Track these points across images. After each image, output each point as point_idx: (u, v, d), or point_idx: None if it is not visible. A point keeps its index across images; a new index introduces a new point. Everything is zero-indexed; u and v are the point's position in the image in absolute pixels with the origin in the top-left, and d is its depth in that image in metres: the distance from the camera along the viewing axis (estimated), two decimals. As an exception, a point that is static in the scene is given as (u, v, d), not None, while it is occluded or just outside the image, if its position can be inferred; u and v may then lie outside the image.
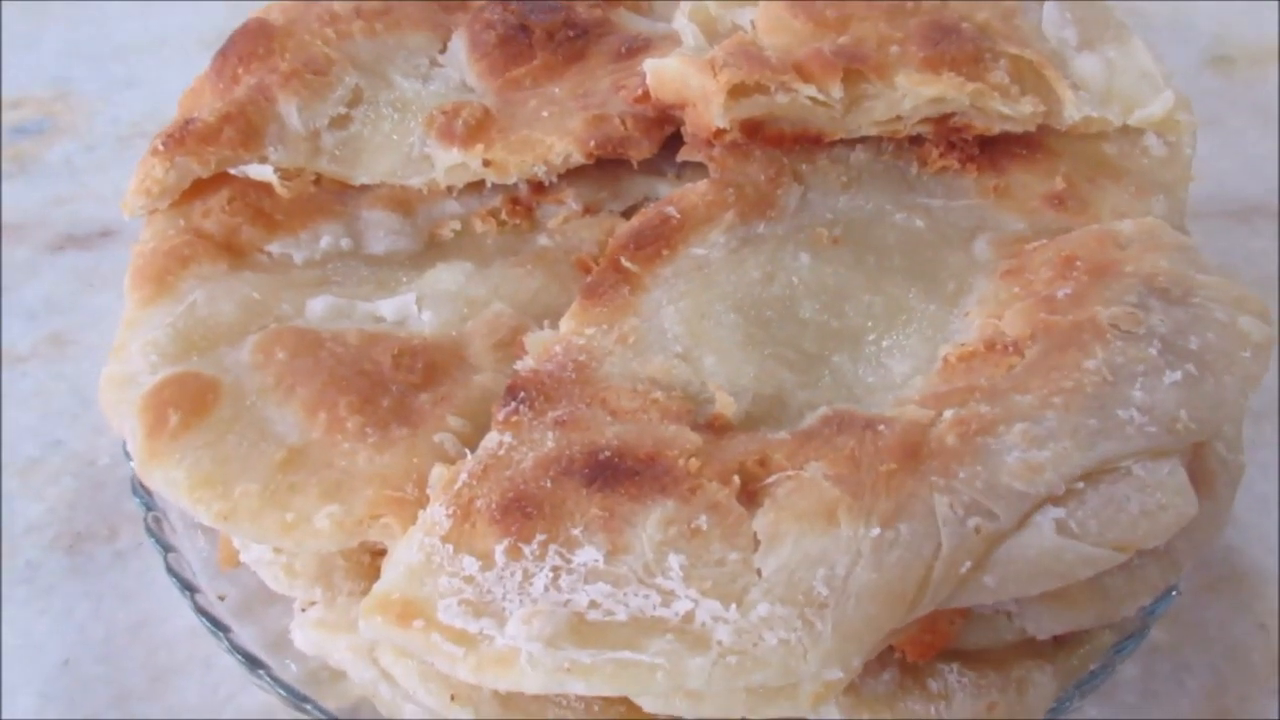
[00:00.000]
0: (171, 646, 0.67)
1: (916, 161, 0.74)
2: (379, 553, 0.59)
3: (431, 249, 0.76)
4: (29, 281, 0.92)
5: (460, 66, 0.82)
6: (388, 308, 0.70)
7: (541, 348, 0.63)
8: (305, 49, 0.79)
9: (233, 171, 0.74)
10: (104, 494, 0.76)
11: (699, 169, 0.76)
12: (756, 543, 0.51)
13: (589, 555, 0.50)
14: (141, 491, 0.70)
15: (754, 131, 0.72)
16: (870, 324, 0.65)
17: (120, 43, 1.19)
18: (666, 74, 0.73)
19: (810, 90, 0.70)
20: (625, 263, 0.66)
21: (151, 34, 1.21)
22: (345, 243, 0.74)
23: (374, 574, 0.58)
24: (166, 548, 0.67)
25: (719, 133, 0.71)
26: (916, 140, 0.74)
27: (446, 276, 0.71)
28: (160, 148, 0.73)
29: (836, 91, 0.70)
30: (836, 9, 0.74)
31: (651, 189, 0.78)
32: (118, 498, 0.75)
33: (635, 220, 0.68)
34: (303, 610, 0.60)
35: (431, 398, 0.63)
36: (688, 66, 0.73)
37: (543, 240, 0.75)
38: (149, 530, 0.68)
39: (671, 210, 0.68)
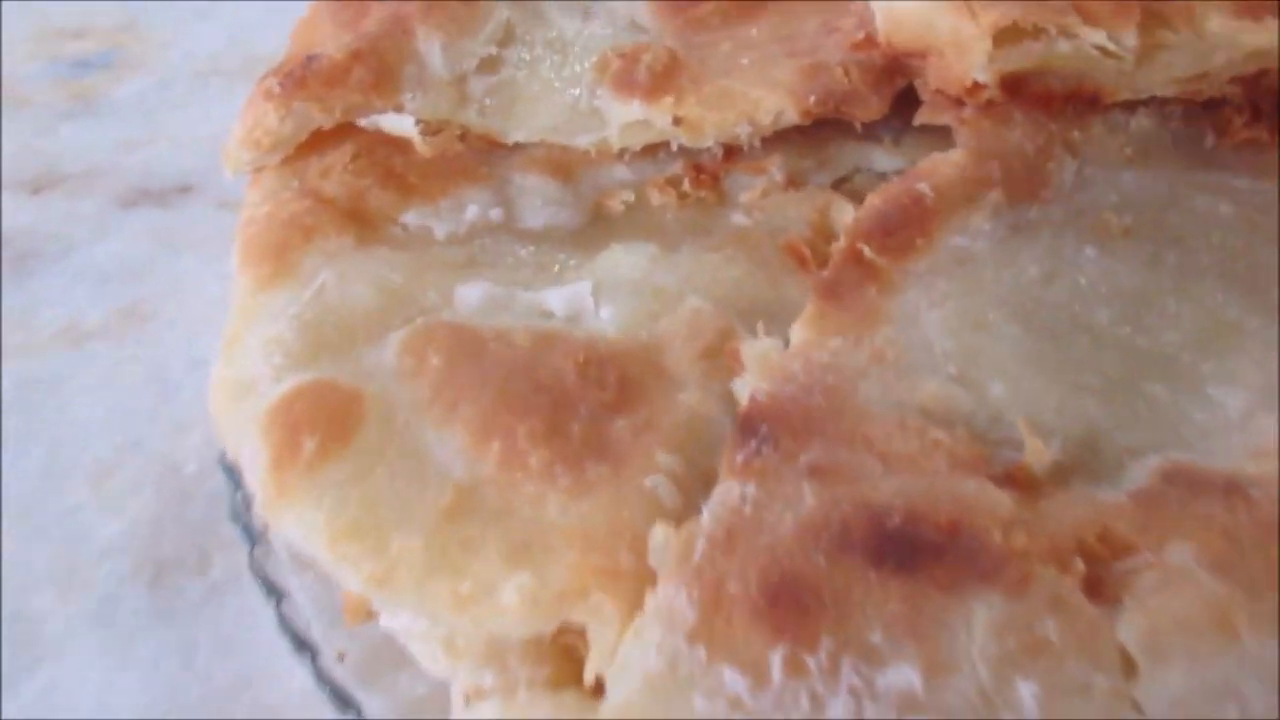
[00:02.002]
0: (280, 710, 0.55)
1: (1212, 130, 0.60)
2: (565, 629, 0.46)
3: (598, 224, 0.62)
4: (98, 241, 0.79)
5: (627, 1, 0.68)
6: (556, 299, 0.56)
7: (771, 364, 0.49)
8: (447, -27, 0.65)
9: (361, 123, 0.61)
10: (192, 509, 0.63)
11: (923, 135, 0.62)
12: (1128, 663, 0.38)
13: (901, 677, 0.37)
14: (243, 514, 0.57)
15: (1015, 89, 0.58)
16: (1183, 341, 0.51)
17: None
18: (904, 13, 0.59)
19: (1099, 37, 0.55)
20: (870, 254, 0.52)
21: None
22: (495, 213, 0.61)
23: (559, 657, 0.44)
24: (278, 595, 0.54)
25: (974, 89, 0.57)
26: (1210, 104, 0.60)
27: (626, 261, 0.57)
28: (276, 90, 0.60)
29: (1130, 39, 0.55)
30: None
31: (865, 157, 0.64)
32: (209, 515, 0.62)
33: (878, 199, 0.54)
34: (466, 700, 0.47)
35: (630, 424, 0.49)
36: (934, 4, 0.58)
37: (738, 218, 0.60)
38: (254, 571, 0.55)
39: (924, 188, 0.54)
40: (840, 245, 0.53)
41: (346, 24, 0.63)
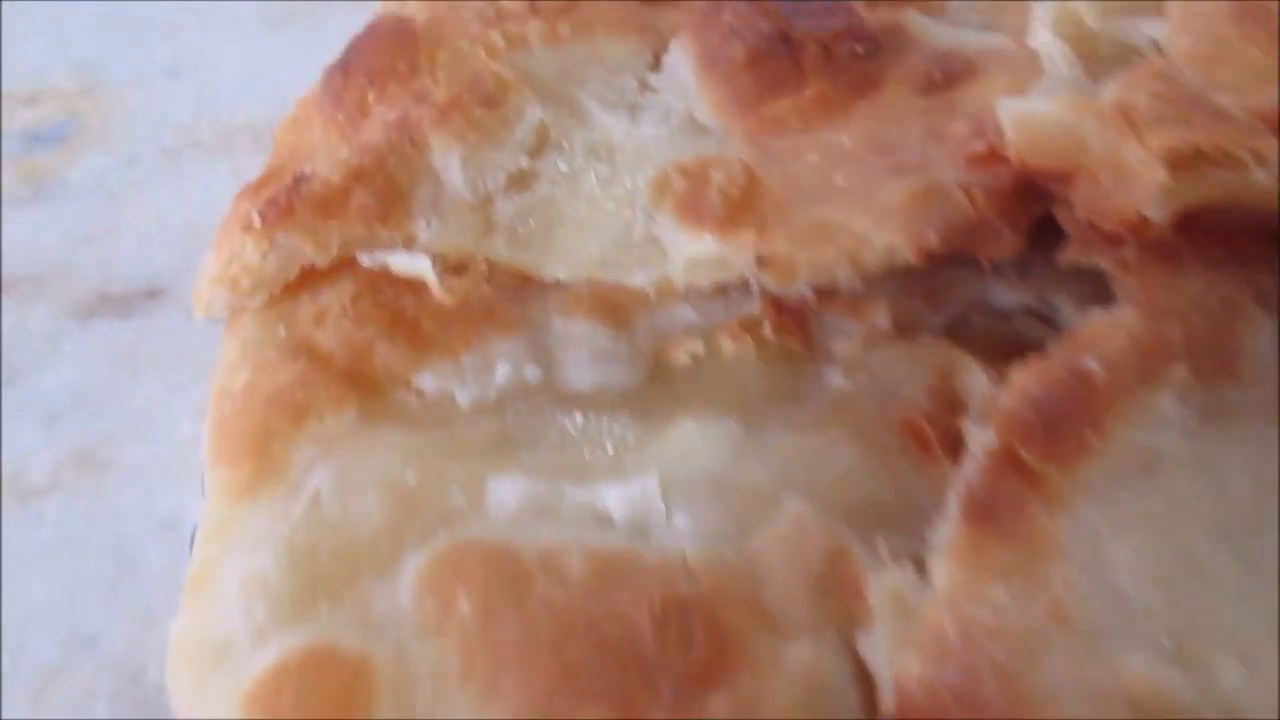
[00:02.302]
0: None
1: None
2: None
3: (659, 383, 0.50)
4: (46, 365, 0.67)
5: (685, 92, 0.55)
6: (616, 499, 0.44)
7: (909, 612, 0.37)
8: (466, 63, 0.52)
9: (363, 261, 0.49)
10: (157, 727, 0.51)
11: (1058, 274, 0.50)
12: None
13: None
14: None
15: (1189, 224, 0.46)
16: None
17: (157, 16, 0.93)
18: (1043, 124, 0.47)
19: None
20: (1030, 460, 0.41)
21: (199, 3, 0.94)
22: (532, 372, 0.49)
23: None
24: None
25: (1140, 225, 0.46)
26: None
27: (701, 444, 0.45)
28: (256, 221, 0.48)
29: None
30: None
31: (983, 291, 0.52)
32: (178, 733, 0.50)
33: (1033, 382, 0.42)
34: None
35: (729, 701, 0.37)
36: (1082, 115, 0.46)
37: (835, 379, 0.49)
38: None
39: (1091, 364, 0.42)
40: (986, 443, 0.42)
41: (343, 128, 0.51)
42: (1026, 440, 0.40)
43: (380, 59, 0.51)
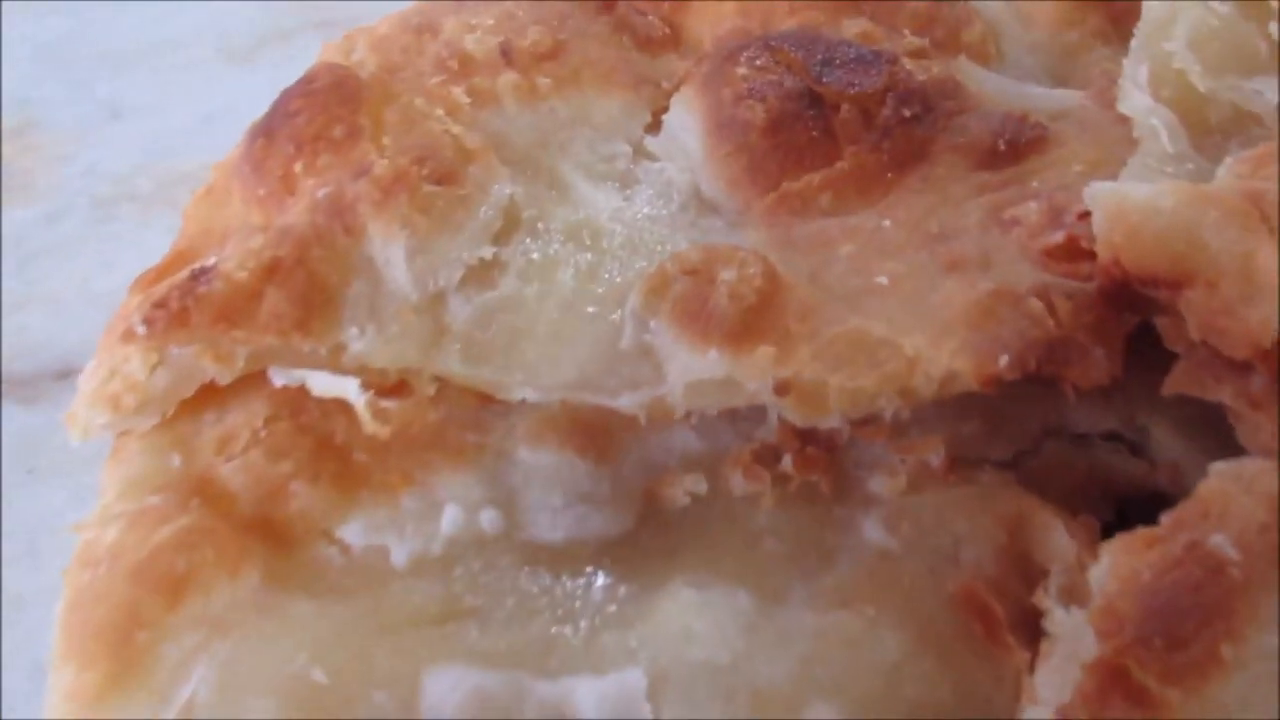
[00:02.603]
0: None
1: None
2: None
3: (650, 532, 0.39)
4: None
5: (689, 161, 0.45)
6: (589, 698, 0.34)
7: None
8: (419, 126, 0.42)
9: (276, 379, 0.39)
10: None
11: (1150, 379, 0.40)
12: None
13: None
14: None
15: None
16: None
17: (106, 48, 0.83)
18: (1147, 217, 0.37)
19: None
20: (1144, 679, 0.31)
21: (153, 34, 0.85)
22: (489, 518, 0.38)
23: None
24: None
25: (1267, 355, 0.36)
26: None
27: (700, 626, 0.35)
28: (140, 329, 0.38)
29: None
30: None
31: (1058, 414, 0.42)
32: None
33: (1145, 570, 0.32)
34: None
35: None
36: (1199, 206, 0.37)
37: (874, 533, 0.38)
38: None
39: (1224, 547, 0.32)
40: (1082, 649, 0.31)
41: (264, 204, 0.41)
42: (1140, 652, 0.30)
43: (312, 121, 0.41)
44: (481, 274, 0.40)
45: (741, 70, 0.45)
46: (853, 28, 0.48)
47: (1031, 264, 0.40)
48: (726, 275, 0.39)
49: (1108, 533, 0.39)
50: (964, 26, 0.49)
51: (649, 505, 0.40)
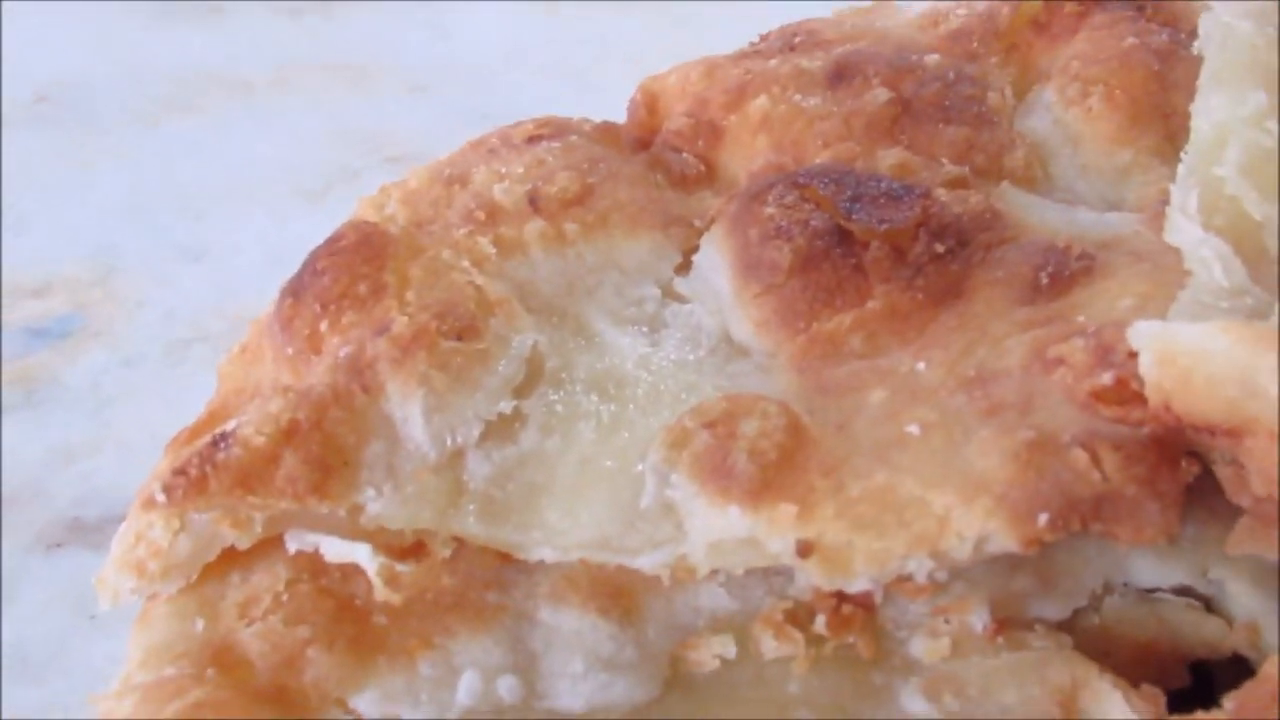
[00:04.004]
0: None
1: None
2: None
3: (677, 698, 0.37)
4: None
5: (719, 300, 0.44)
6: None
7: None
8: (443, 279, 0.42)
9: (290, 542, 0.39)
10: None
11: (1220, 522, 0.37)
12: None
13: None
14: None
15: None
16: None
17: (185, 192, 0.86)
18: (1199, 361, 0.34)
19: None
20: None
21: (232, 177, 0.88)
22: (507, 685, 0.37)
23: None
24: None
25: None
26: None
27: (725, 810, 0.34)
28: (159, 497, 0.38)
29: None
30: None
31: (1119, 566, 0.39)
32: None
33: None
34: None
35: None
36: (1256, 350, 0.34)
37: (914, 703, 0.36)
38: None
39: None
40: None
41: (291, 361, 0.42)
42: None
43: (338, 280, 0.42)
44: (501, 429, 0.40)
45: (769, 209, 0.44)
46: (888, 159, 0.47)
47: (1078, 409, 0.37)
48: (748, 428, 0.37)
49: (1181, 701, 0.36)
50: (1006, 151, 0.48)
51: (675, 670, 0.38)
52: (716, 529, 0.36)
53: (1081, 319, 0.40)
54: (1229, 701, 0.30)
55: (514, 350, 0.41)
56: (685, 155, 0.51)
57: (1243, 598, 0.37)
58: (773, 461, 0.36)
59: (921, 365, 0.40)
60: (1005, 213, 0.45)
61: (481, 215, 0.45)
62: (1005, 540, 0.33)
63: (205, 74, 1.00)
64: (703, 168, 0.50)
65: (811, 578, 0.35)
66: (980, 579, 0.37)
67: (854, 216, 0.43)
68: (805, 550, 0.35)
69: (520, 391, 0.41)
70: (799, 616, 0.38)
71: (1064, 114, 0.49)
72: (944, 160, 0.47)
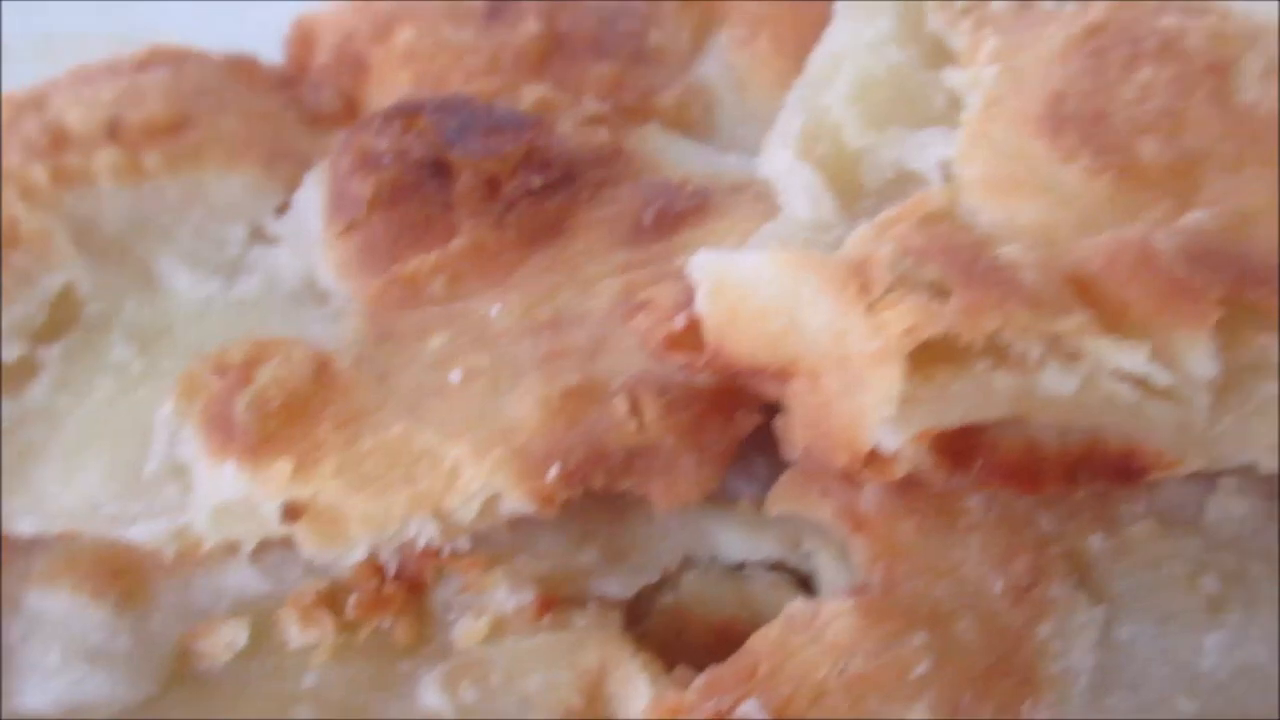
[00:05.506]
0: None
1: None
2: None
3: (178, 698, 0.32)
4: None
5: (309, 240, 0.40)
6: None
7: None
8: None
9: None
10: None
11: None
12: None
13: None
14: None
15: (963, 454, 0.29)
16: None
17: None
18: (744, 291, 0.30)
19: (1136, 356, 0.26)
20: None
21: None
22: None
23: None
24: None
25: (875, 461, 0.28)
26: None
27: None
28: None
29: (1206, 364, 0.27)
30: (1172, 149, 0.30)
31: (700, 538, 0.34)
32: None
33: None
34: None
35: None
36: (798, 275, 0.30)
37: (429, 699, 0.31)
38: None
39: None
40: None
41: None
42: None
43: None
44: (8, 380, 0.34)
45: (368, 138, 0.39)
46: (531, 94, 0.43)
47: (647, 356, 0.33)
48: (263, 375, 0.32)
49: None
50: (659, 91, 0.43)
51: (181, 660, 0.33)
52: (218, 491, 0.31)
53: (680, 262, 0.35)
54: (702, 678, 0.25)
55: (38, 291, 0.36)
56: (327, 92, 0.46)
57: (832, 569, 0.33)
58: (274, 411, 0.31)
59: (496, 308, 0.35)
60: (634, 152, 0.40)
61: (44, 142, 0.39)
62: (515, 497, 0.29)
63: None
64: (341, 104, 0.45)
65: (303, 545, 0.30)
66: (546, 552, 0.33)
67: (455, 146, 0.38)
68: (294, 513, 0.30)
69: (40, 336, 0.35)
70: (336, 599, 0.33)
71: (735, 56, 0.45)
72: (590, 98, 0.43)
